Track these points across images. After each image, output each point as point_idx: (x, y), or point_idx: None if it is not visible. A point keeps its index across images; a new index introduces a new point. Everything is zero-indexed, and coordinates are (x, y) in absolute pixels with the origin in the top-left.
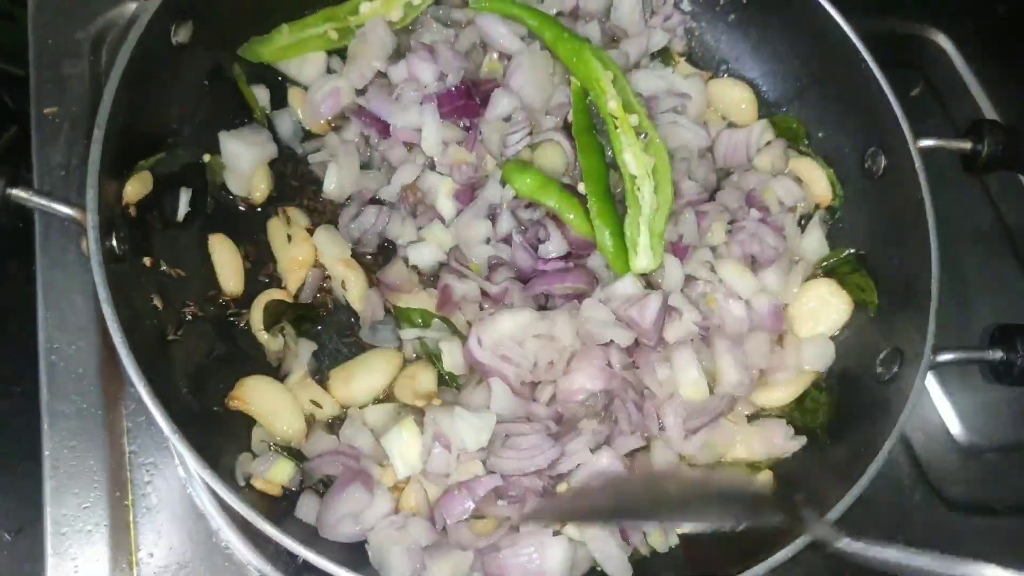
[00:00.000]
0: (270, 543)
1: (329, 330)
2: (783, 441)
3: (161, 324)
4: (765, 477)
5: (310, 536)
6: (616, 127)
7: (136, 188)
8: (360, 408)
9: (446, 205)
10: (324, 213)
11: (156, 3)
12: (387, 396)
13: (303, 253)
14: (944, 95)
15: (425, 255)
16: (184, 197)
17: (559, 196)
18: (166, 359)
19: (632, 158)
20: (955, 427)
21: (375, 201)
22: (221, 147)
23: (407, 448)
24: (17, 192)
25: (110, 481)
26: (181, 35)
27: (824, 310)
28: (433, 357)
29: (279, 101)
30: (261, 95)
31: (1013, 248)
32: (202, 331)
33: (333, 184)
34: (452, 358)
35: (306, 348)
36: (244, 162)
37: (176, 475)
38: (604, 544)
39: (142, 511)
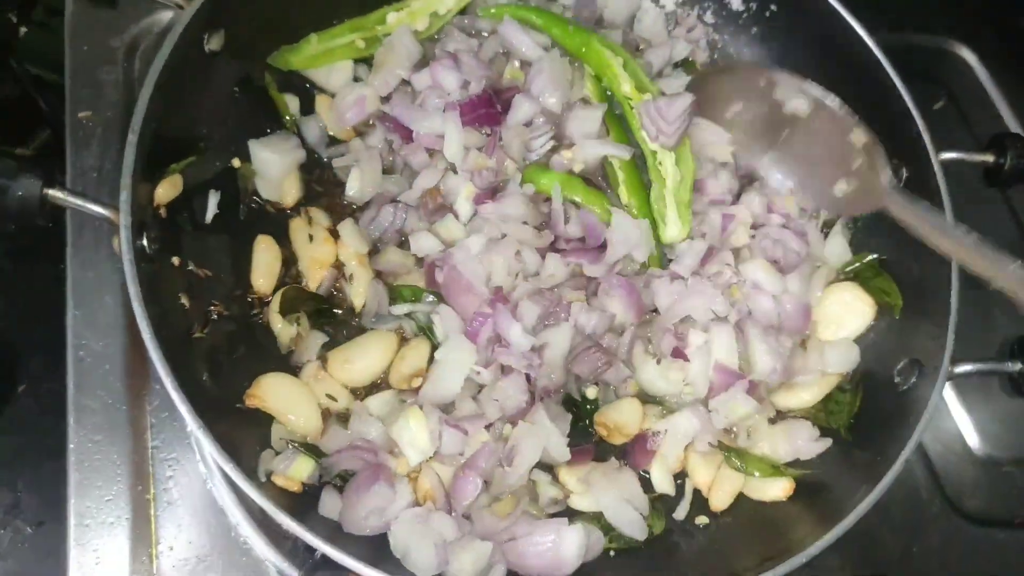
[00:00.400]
0: (287, 539)
1: (338, 326)
2: (807, 443)
3: (187, 322)
4: (787, 486)
5: (330, 531)
6: (632, 107)
7: (167, 190)
8: (363, 400)
9: (464, 207)
10: (345, 215)
11: (190, 12)
12: (384, 381)
13: (324, 253)
14: (967, 108)
15: (425, 245)
16: (213, 200)
17: (584, 190)
18: (191, 356)
19: (629, 88)
20: (973, 439)
21: (394, 203)
22: (251, 155)
23: (416, 435)
24: (54, 192)
25: (132, 475)
26: (213, 43)
27: (848, 314)
28: (426, 330)
29: (306, 108)
30: (292, 103)
31: None
32: (227, 330)
33: (355, 188)
34: (444, 326)
35: (317, 340)
36: (275, 168)
37: (197, 471)
38: (620, 510)
39: (163, 505)
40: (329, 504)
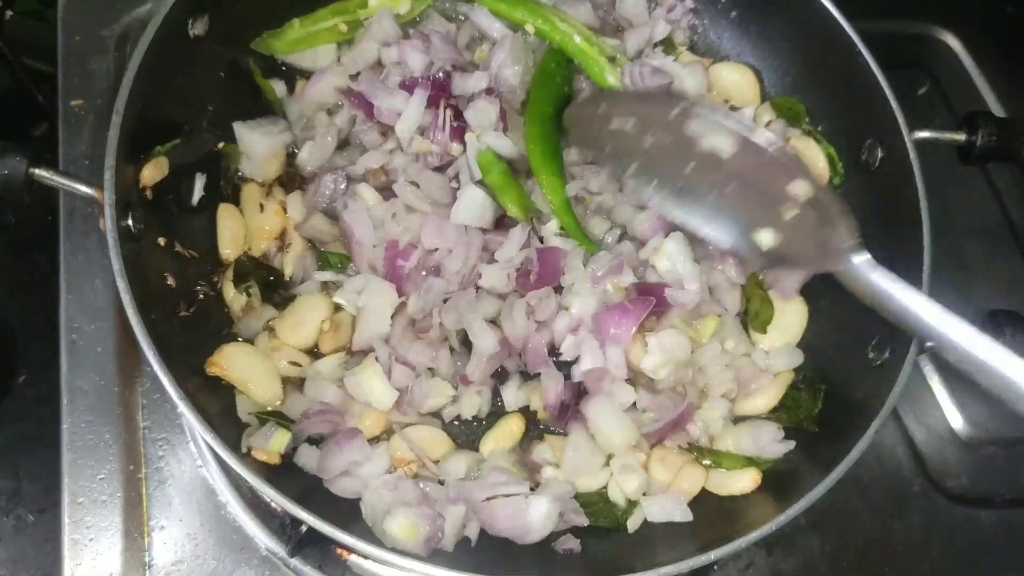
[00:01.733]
0: (275, 517)
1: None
2: (771, 443)
3: (174, 301)
4: (756, 476)
5: (307, 500)
6: (591, 57)
7: (152, 172)
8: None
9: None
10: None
11: None
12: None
13: (270, 223)
14: (951, 94)
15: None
16: (199, 182)
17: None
18: (178, 334)
19: (615, 80)
20: (956, 420)
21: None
22: (239, 137)
23: (373, 383)
24: (40, 172)
25: (125, 455)
26: (198, 28)
27: (782, 320)
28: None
29: (292, 91)
30: (278, 87)
31: (1017, 241)
32: (213, 310)
33: (304, 158)
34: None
35: (267, 312)
36: (262, 150)
37: (188, 451)
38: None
39: (155, 484)
40: (307, 456)
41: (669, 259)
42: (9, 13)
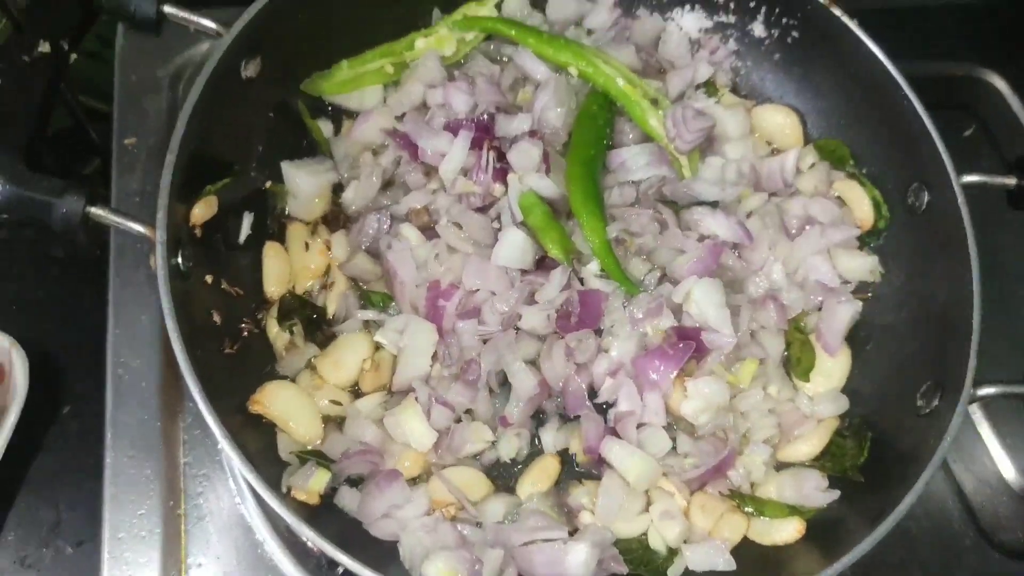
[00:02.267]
0: (311, 557)
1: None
2: (815, 492)
3: (219, 338)
4: (799, 526)
5: (346, 541)
6: (633, 100)
7: (203, 210)
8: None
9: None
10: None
11: (228, 40)
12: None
13: (315, 262)
14: (998, 136)
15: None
16: (247, 221)
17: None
18: (222, 371)
19: (657, 123)
20: (1008, 471)
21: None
22: (285, 176)
23: (412, 423)
24: (96, 210)
25: (165, 491)
26: (250, 70)
27: (825, 365)
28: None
29: (339, 131)
30: (324, 127)
31: None
32: (257, 348)
33: (349, 197)
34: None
35: (310, 350)
36: (308, 189)
37: (227, 488)
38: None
39: (193, 520)
40: (347, 498)
41: (697, 305)
42: (73, 56)
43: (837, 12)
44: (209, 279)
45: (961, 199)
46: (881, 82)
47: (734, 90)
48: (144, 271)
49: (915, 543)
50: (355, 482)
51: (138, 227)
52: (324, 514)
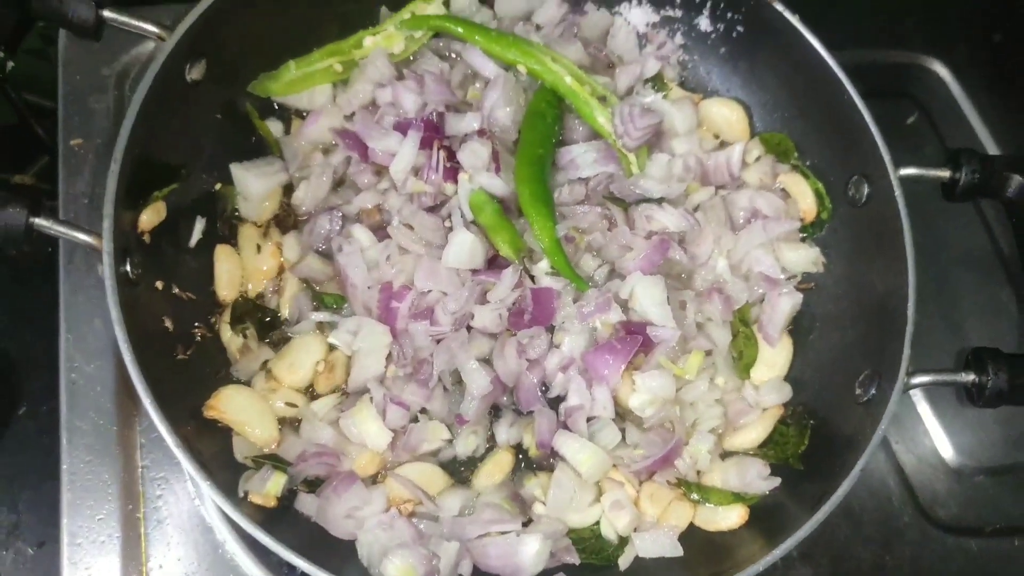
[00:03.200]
0: (272, 555)
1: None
2: (757, 479)
3: (171, 345)
4: (743, 512)
5: (304, 545)
6: (581, 97)
7: (150, 217)
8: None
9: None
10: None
11: (171, 44)
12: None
13: (267, 264)
14: (941, 123)
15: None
16: (199, 226)
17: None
18: (176, 377)
19: (605, 120)
20: (946, 450)
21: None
22: (235, 178)
23: (367, 424)
24: (39, 221)
25: (123, 495)
26: (195, 73)
27: (768, 354)
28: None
29: (289, 130)
30: (274, 127)
31: (1007, 274)
32: (211, 352)
33: (299, 197)
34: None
35: (263, 353)
36: (258, 191)
37: (185, 489)
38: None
39: (153, 523)
40: (305, 504)
41: (639, 301)
42: (11, 64)
43: (779, 7)
44: (160, 285)
45: (898, 192)
46: (822, 76)
47: (682, 85)
48: (95, 276)
49: (857, 521)
50: (313, 484)
51: (84, 237)
52: (283, 516)
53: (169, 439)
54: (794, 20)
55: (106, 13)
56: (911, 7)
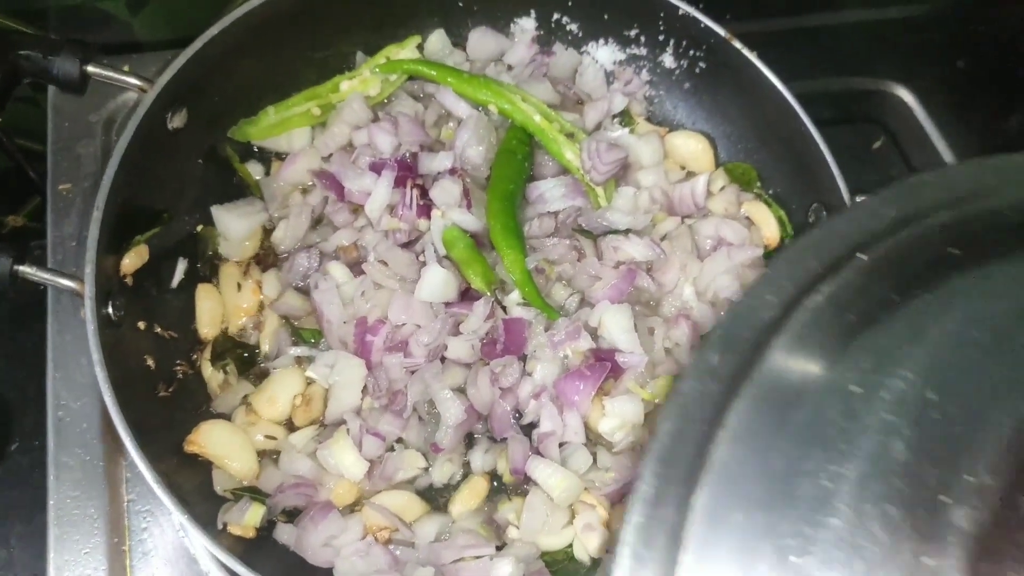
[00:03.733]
0: None
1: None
2: None
3: (153, 383)
4: None
5: (282, 573)
6: (549, 135)
7: (133, 260)
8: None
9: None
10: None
11: (153, 95)
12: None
13: (247, 301)
14: (906, 147)
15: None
16: (180, 266)
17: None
18: (157, 414)
19: (573, 156)
20: None
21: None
22: (215, 220)
23: (343, 455)
24: (24, 268)
25: (109, 528)
26: (176, 121)
27: None
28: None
29: (266, 170)
30: (255, 170)
31: None
32: (192, 387)
33: (279, 236)
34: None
35: (243, 388)
36: (239, 232)
37: (170, 522)
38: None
39: (138, 556)
40: (285, 534)
41: (607, 329)
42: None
43: (737, 44)
44: (142, 325)
45: None
46: (781, 109)
47: (649, 118)
48: (81, 316)
49: None
50: (292, 514)
51: (67, 283)
52: (262, 546)
53: (148, 476)
54: (752, 57)
55: (90, 68)
56: (878, 36)
